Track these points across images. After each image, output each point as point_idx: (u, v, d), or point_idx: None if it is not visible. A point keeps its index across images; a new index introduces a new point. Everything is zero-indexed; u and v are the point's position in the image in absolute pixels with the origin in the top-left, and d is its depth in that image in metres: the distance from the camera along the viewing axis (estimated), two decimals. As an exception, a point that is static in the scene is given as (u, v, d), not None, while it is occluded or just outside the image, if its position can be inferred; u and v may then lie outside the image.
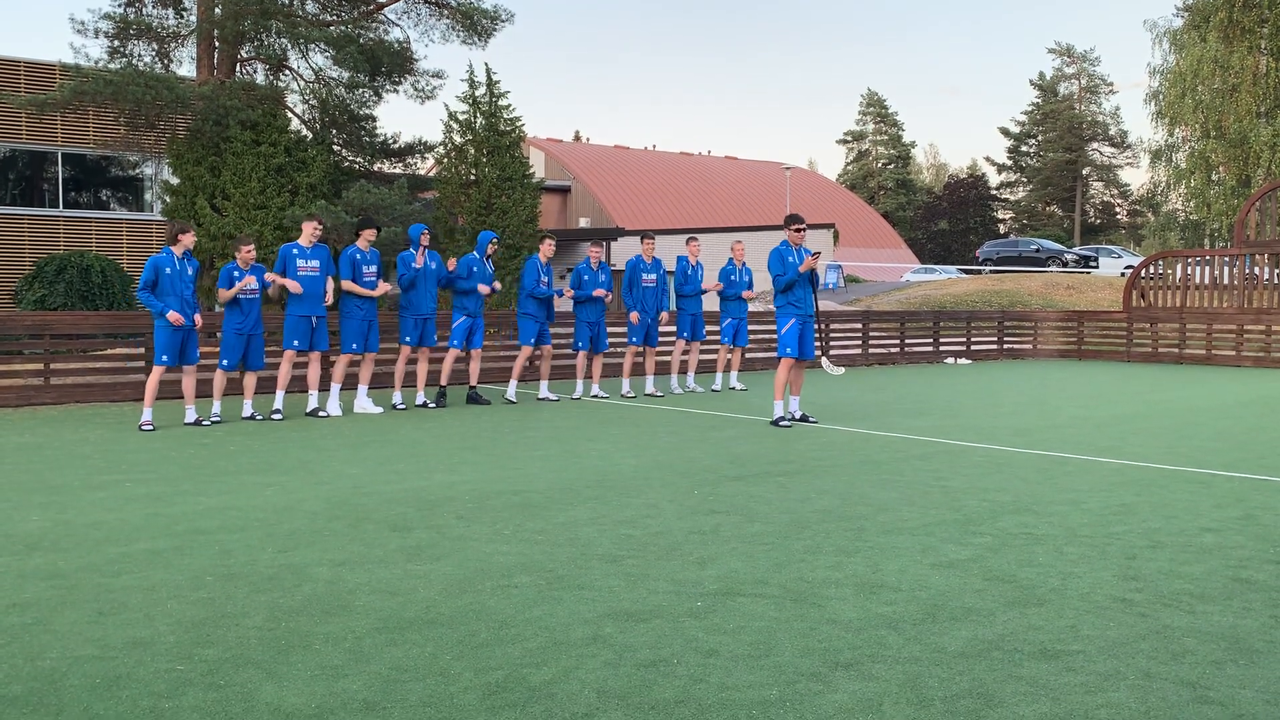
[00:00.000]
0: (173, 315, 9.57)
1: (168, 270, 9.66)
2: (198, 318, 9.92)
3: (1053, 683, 3.36)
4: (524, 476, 7.13)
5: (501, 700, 3.20)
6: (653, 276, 12.94)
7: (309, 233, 10.65)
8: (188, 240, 9.84)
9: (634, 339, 12.87)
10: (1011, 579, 4.57)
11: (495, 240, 11.88)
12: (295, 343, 10.58)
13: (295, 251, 10.53)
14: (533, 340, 12.05)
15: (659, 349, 13.82)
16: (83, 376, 12.56)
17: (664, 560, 4.86)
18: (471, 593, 4.34)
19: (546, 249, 12.15)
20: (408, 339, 11.47)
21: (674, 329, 13.83)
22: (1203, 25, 38.04)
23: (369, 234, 10.97)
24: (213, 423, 10.13)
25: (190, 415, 10.05)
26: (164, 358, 9.69)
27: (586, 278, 12.47)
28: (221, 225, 17.71)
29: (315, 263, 10.61)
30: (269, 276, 10.45)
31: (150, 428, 9.63)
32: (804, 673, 3.44)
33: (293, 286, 10.38)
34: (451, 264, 11.57)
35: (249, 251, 10.27)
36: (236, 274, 10.19)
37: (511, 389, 12.27)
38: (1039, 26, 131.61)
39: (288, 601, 4.21)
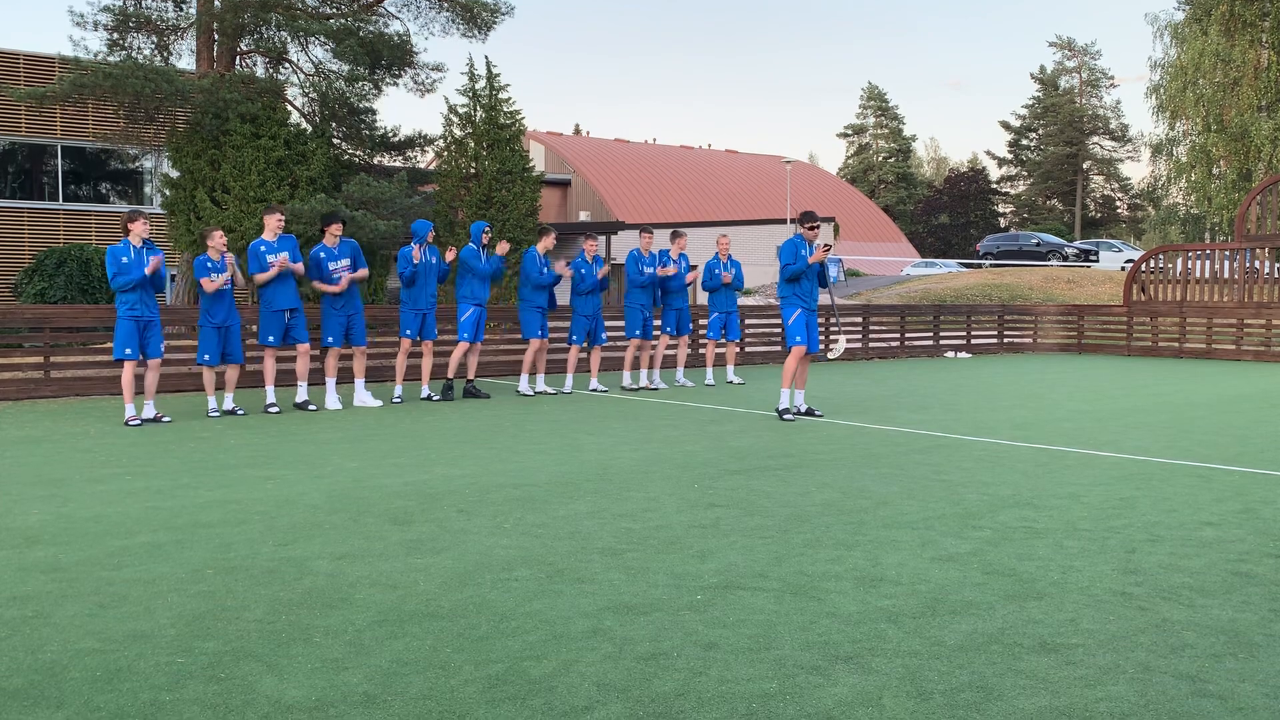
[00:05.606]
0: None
1: (124, 260, 9.54)
2: (162, 300, 9.85)
3: (1052, 676, 3.36)
4: (524, 470, 7.13)
5: (501, 693, 3.21)
6: (652, 269, 12.93)
7: (273, 226, 10.55)
8: (138, 228, 9.68)
9: (635, 332, 12.89)
10: (1011, 573, 4.57)
11: (488, 229, 11.92)
12: (270, 339, 10.51)
13: (264, 248, 10.44)
14: (540, 333, 12.12)
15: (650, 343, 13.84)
16: (83, 370, 12.56)
17: (664, 553, 4.87)
18: (472, 586, 4.34)
19: (547, 242, 12.19)
20: (408, 332, 11.50)
21: (659, 323, 13.83)
22: (1204, 19, 38.02)
23: (335, 229, 10.87)
24: (218, 415, 10.15)
25: (149, 411, 9.81)
26: (126, 351, 9.57)
27: (584, 271, 12.47)
28: (221, 218, 17.69)
29: (283, 255, 10.51)
30: (253, 275, 10.39)
31: (138, 422, 9.57)
32: (804, 666, 3.44)
33: (269, 273, 10.33)
34: (450, 255, 11.58)
35: (220, 239, 10.18)
36: (210, 265, 10.09)
37: (524, 382, 12.34)
38: (1040, 20, 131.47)
39: (288, 595, 4.21)
